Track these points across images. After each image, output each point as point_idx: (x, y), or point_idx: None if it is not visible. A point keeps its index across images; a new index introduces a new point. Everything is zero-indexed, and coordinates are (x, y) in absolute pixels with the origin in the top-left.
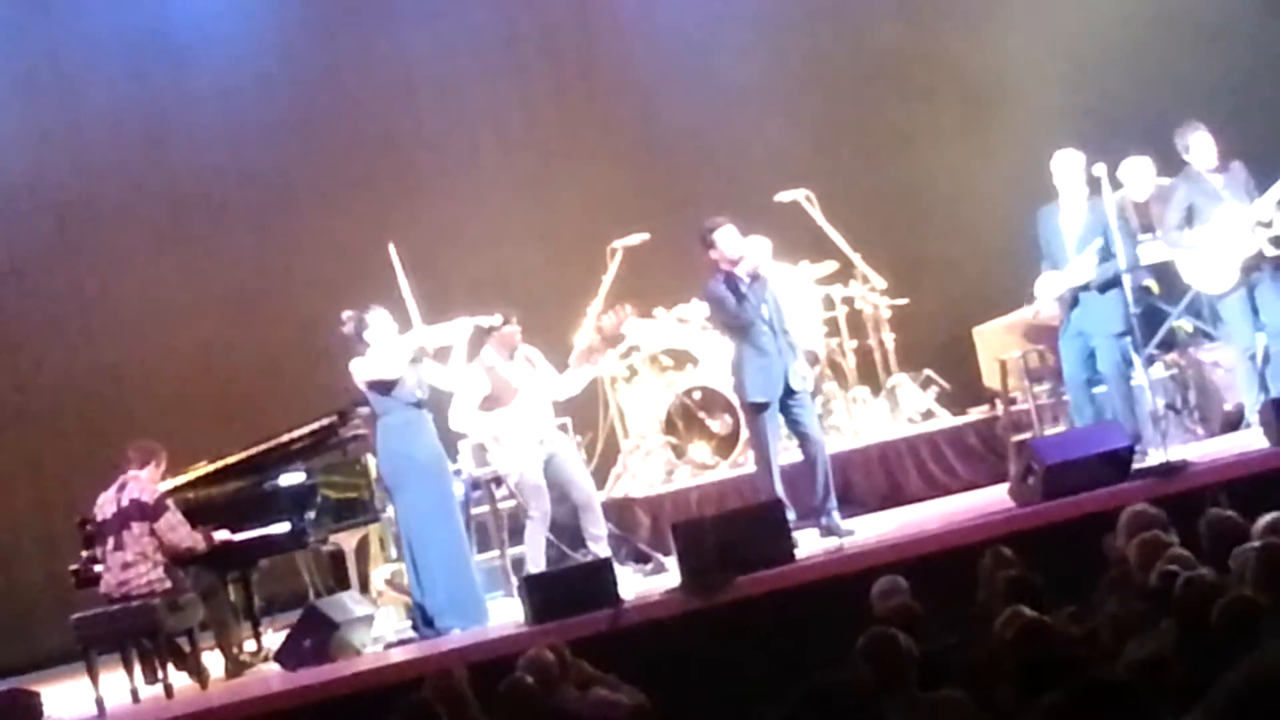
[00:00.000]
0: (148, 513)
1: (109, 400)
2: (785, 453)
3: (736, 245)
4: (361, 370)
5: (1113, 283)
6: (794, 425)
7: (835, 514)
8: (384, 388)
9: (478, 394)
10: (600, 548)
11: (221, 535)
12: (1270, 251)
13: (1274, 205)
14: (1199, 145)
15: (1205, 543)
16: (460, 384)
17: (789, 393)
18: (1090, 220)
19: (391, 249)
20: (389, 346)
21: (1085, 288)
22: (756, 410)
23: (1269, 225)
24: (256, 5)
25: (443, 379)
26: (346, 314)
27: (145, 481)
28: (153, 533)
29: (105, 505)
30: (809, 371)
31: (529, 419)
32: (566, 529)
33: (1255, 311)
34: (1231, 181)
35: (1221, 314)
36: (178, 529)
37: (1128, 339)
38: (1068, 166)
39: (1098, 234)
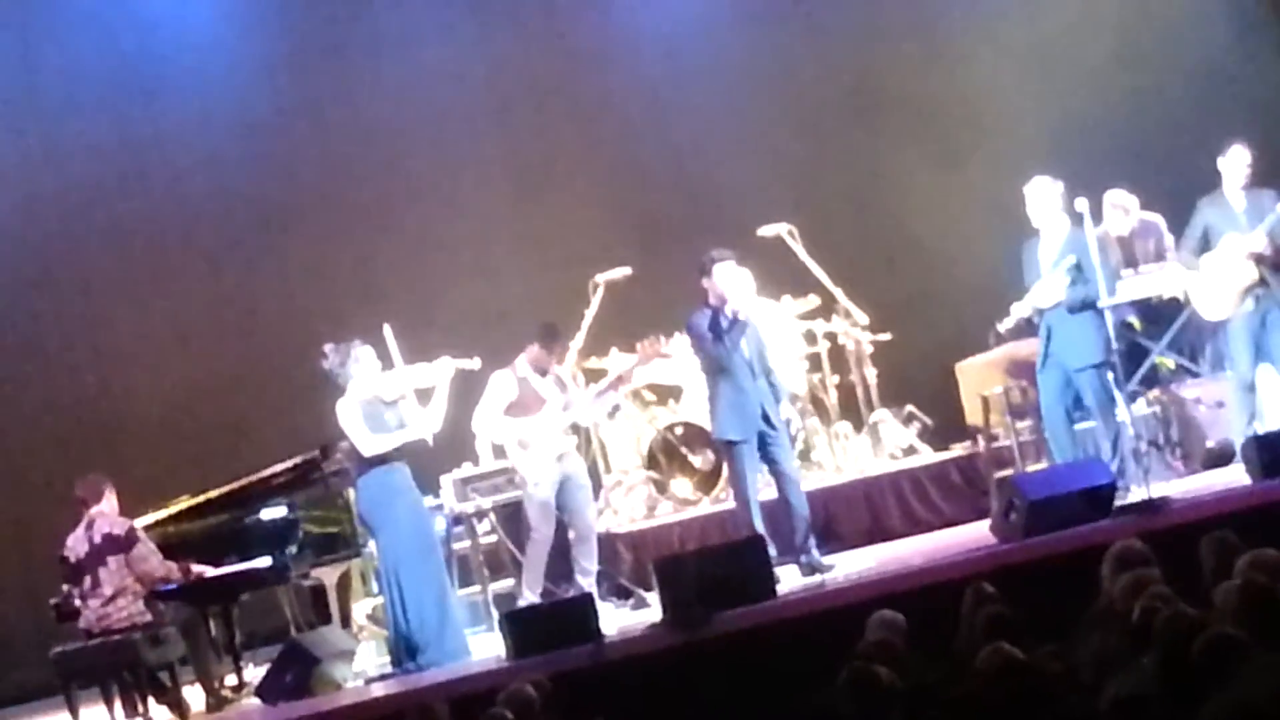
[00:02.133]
0: (121, 545)
1: (91, 434)
2: (767, 488)
3: (731, 282)
4: (345, 423)
5: (1085, 309)
6: (770, 463)
7: (815, 550)
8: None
9: (504, 399)
10: (588, 582)
11: (198, 569)
12: (1271, 281)
13: (1265, 235)
14: (1230, 162)
15: (1205, 567)
16: (489, 387)
17: (766, 428)
18: (1065, 244)
19: (387, 330)
20: (383, 422)
21: (1058, 307)
22: (732, 447)
23: (1265, 256)
24: (237, 39)
25: (420, 420)
26: (329, 347)
27: (111, 515)
28: (128, 564)
29: (76, 545)
30: (791, 413)
31: (551, 434)
32: (550, 563)
33: (1258, 342)
34: (1254, 208)
35: (1228, 340)
36: (149, 559)
37: (1108, 370)
38: (1041, 194)
39: (1070, 254)
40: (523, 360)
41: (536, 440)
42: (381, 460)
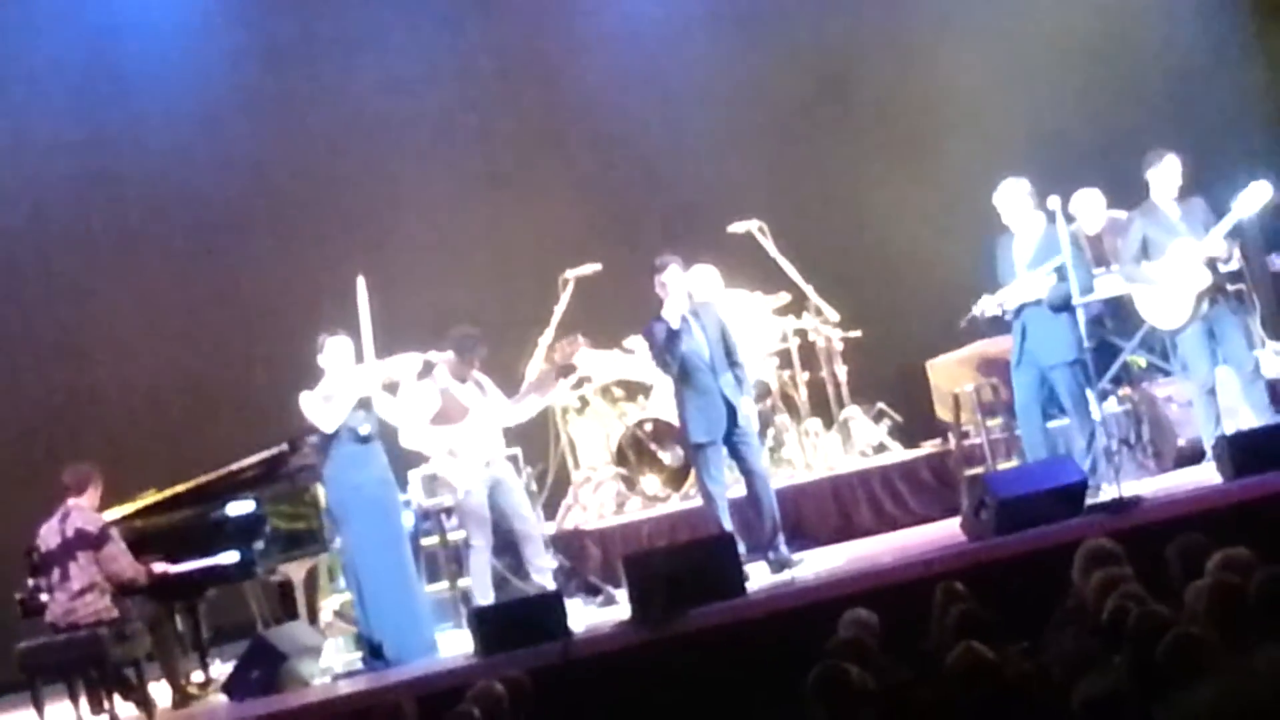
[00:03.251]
0: (92, 542)
1: (57, 429)
2: (735, 485)
3: (672, 288)
4: (305, 407)
5: (1062, 308)
6: (738, 461)
7: (783, 546)
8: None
9: (427, 411)
10: (545, 579)
11: (160, 568)
12: (1224, 285)
13: (1223, 239)
14: (1163, 173)
15: (1173, 567)
16: (409, 401)
17: (733, 427)
18: (1043, 243)
19: (360, 283)
20: (335, 391)
21: (1037, 304)
22: (699, 449)
23: (1219, 260)
24: (206, 36)
25: (392, 412)
26: (321, 335)
27: (88, 510)
28: (97, 562)
29: (49, 536)
30: (753, 409)
31: (477, 440)
32: (513, 558)
33: (1212, 346)
34: (1189, 216)
35: (1180, 349)
36: (119, 559)
37: (1081, 367)
38: (1012, 195)
39: (1052, 254)
40: (441, 370)
41: (464, 447)
42: (350, 453)
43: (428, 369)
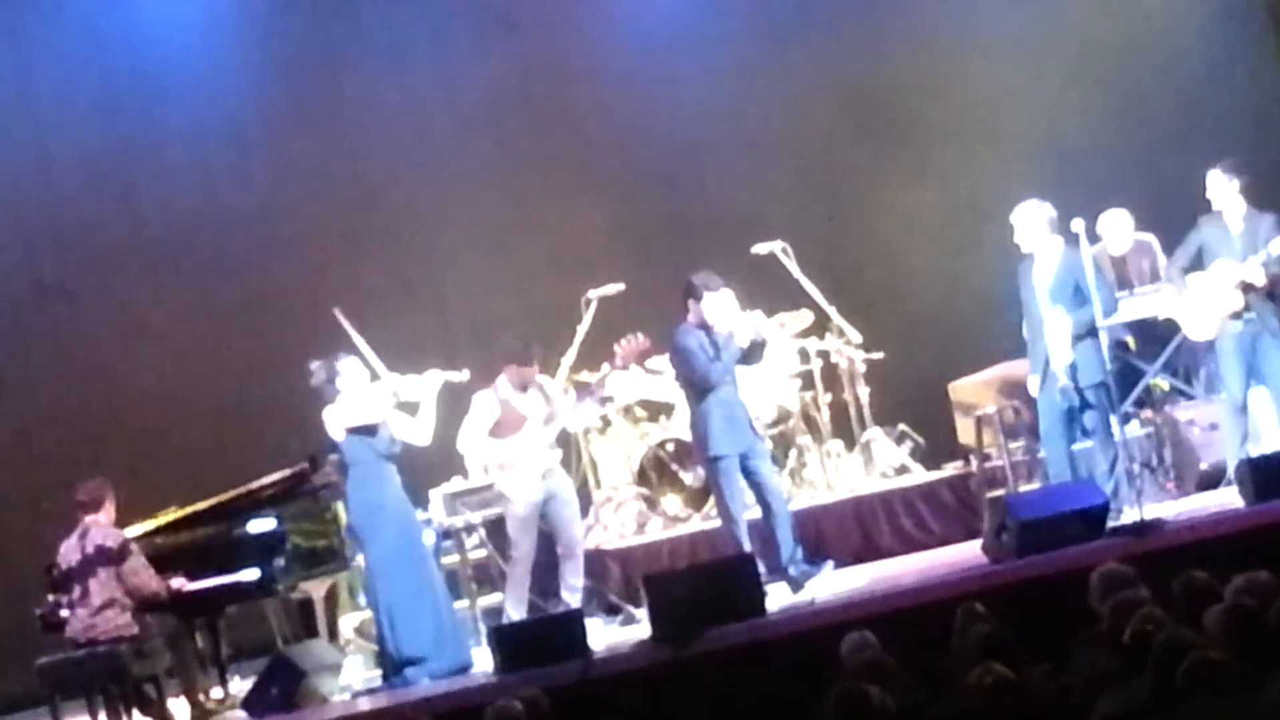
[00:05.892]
0: (112, 558)
1: (78, 445)
2: (753, 508)
3: (722, 312)
4: (339, 418)
5: (1089, 333)
6: (750, 477)
7: (801, 563)
8: (365, 433)
9: (488, 420)
10: (575, 598)
11: (177, 583)
12: (1263, 311)
13: (1260, 267)
14: (1210, 185)
15: (1177, 603)
16: (472, 408)
17: (753, 441)
18: (1063, 267)
19: (337, 313)
20: (366, 393)
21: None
22: (719, 463)
23: (1251, 286)
24: (228, 47)
25: (409, 432)
26: (314, 364)
27: (107, 526)
28: (119, 577)
29: (69, 554)
30: (761, 428)
31: (535, 451)
32: (537, 577)
33: (1249, 364)
34: (1250, 232)
35: (1219, 361)
36: (141, 573)
37: (1105, 390)
38: (1027, 218)
39: (1073, 277)
40: (503, 381)
41: (520, 459)
42: (373, 471)
43: (447, 389)
